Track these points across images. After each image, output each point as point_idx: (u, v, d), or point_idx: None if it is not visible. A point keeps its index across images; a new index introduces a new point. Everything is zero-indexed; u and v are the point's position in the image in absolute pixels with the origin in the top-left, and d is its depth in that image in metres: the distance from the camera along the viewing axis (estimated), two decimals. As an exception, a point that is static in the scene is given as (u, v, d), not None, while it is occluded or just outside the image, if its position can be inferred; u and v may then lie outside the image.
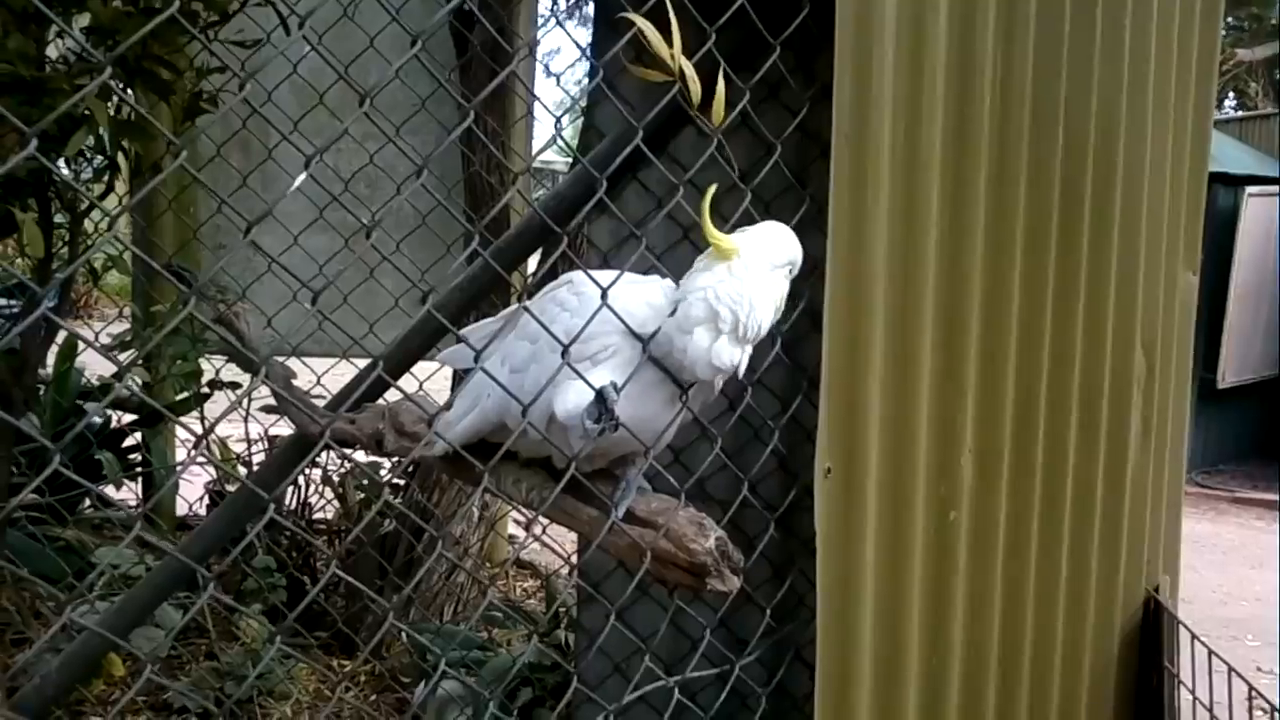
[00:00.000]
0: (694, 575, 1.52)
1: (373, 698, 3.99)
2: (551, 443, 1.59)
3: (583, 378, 1.49)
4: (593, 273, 1.54)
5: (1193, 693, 2.39)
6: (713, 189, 1.54)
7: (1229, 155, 10.54)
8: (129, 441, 5.24)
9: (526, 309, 1.61)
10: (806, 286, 1.87)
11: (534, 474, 1.73)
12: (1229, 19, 20.55)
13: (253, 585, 4.32)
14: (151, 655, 3.74)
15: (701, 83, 1.58)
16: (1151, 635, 2.51)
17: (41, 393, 4.76)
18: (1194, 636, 2.44)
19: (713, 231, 1.55)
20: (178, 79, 2.69)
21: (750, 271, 1.55)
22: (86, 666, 3.03)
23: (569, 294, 1.61)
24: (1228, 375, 10.40)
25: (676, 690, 1.98)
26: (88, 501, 4.93)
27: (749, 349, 1.60)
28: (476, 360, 1.54)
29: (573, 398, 1.52)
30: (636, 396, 1.55)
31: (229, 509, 3.10)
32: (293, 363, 2.93)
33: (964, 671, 2.00)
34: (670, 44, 1.53)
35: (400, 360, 2.73)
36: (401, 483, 4.54)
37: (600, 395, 1.49)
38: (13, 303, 7.48)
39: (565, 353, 1.47)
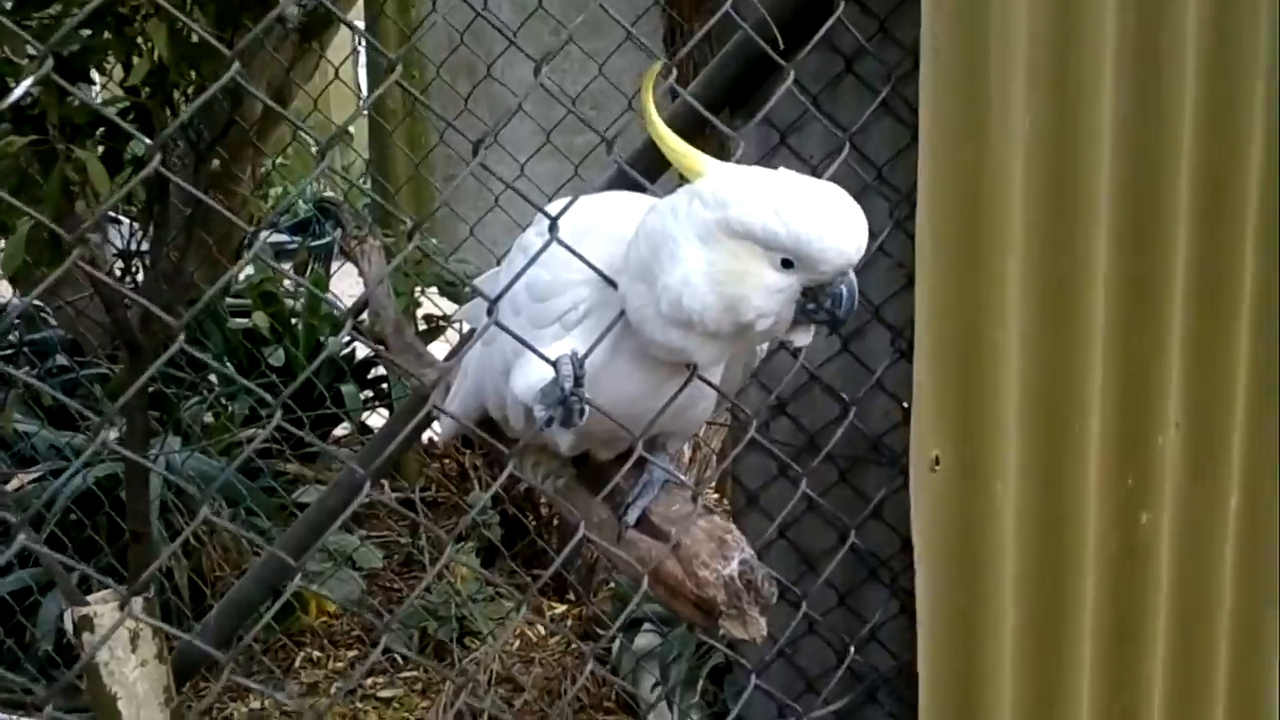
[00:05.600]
0: (704, 612, 1.10)
1: (574, 645, 3.83)
2: (516, 430, 1.21)
3: (532, 348, 1.08)
4: (564, 201, 1.12)
5: None
6: (657, 66, 1.06)
7: None
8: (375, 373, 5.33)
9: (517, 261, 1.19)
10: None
11: (554, 457, 1.36)
12: None
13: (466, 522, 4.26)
14: (343, 602, 3.76)
15: None
16: None
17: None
18: None
19: (659, 129, 1.06)
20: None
21: (685, 223, 1.05)
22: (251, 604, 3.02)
23: (535, 235, 1.17)
24: None
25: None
26: (335, 432, 5.11)
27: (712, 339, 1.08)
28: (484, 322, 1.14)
29: (534, 373, 1.12)
30: (618, 368, 1.12)
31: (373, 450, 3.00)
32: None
33: (1167, 724, 1.47)
34: None
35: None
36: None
37: (556, 369, 1.07)
38: (295, 239, 7.96)
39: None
